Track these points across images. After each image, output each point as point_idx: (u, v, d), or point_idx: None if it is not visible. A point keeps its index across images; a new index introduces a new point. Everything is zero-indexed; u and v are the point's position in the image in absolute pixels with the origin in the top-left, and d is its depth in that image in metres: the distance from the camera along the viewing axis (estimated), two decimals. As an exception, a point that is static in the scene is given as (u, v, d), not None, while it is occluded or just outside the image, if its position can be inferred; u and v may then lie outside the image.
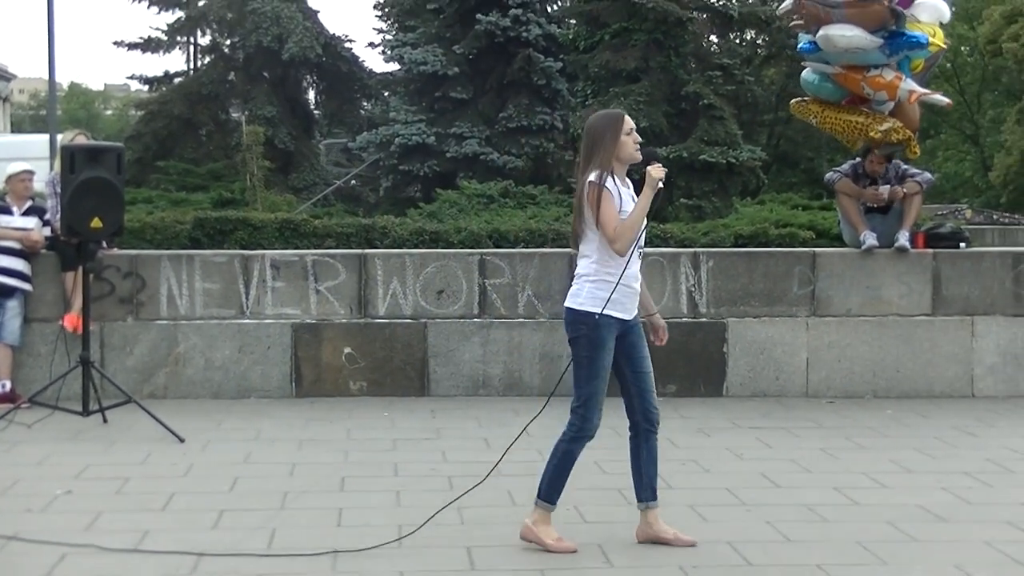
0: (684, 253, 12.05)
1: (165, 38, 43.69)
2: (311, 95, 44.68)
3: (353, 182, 38.95)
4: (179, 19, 43.57)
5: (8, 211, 11.21)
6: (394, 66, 37.81)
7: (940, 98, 12.39)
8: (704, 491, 8.10)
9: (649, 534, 6.87)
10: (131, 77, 49.79)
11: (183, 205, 26.84)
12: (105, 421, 10.08)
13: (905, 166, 12.33)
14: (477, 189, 25.64)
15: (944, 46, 12.07)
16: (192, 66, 45.52)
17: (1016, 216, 45.98)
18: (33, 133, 49.76)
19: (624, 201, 6.64)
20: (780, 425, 10.45)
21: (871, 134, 11.75)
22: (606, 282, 6.66)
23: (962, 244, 12.29)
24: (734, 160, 30.26)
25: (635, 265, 6.72)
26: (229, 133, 40.96)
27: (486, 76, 34.39)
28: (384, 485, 8.20)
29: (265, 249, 13.43)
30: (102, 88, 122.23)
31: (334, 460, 8.98)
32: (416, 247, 15.32)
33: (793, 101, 12.61)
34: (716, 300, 11.73)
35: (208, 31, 43.96)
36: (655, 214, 6.89)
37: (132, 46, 43.74)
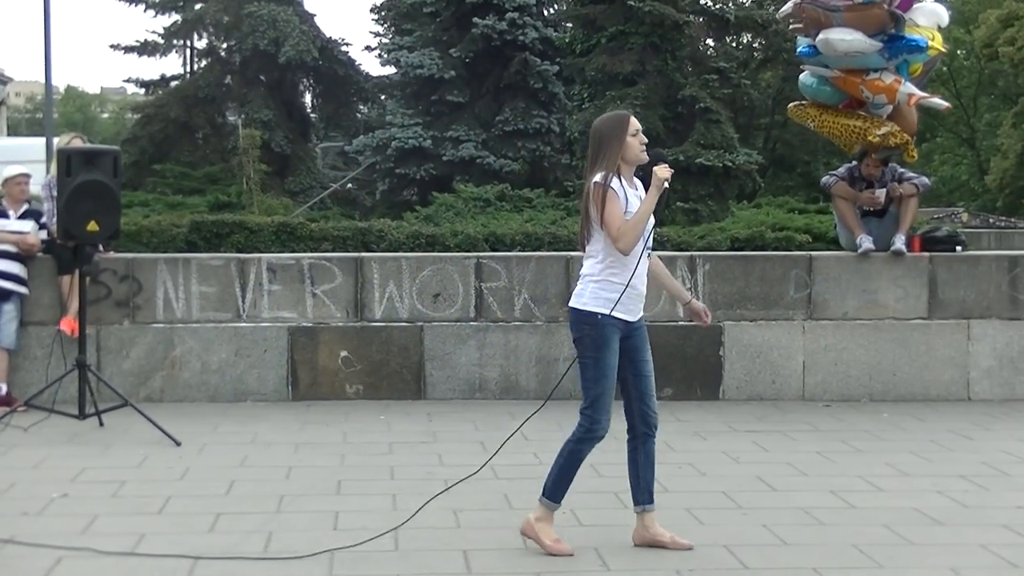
0: (680, 256, 12.05)
1: (161, 41, 43.65)
2: (307, 98, 44.67)
3: (349, 185, 38.95)
4: (175, 22, 43.54)
5: (4, 214, 11.21)
6: (390, 69, 37.79)
7: (939, 101, 12.40)
8: (700, 494, 8.10)
9: (646, 537, 6.87)
10: (127, 80, 49.78)
11: (179, 208, 26.83)
12: (101, 424, 10.08)
13: (902, 169, 12.34)
14: (473, 192, 25.62)
15: (943, 50, 12.08)
16: (188, 69, 45.49)
17: (1012, 219, 46.07)
18: (29, 136, 49.71)
19: (630, 202, 6.65)
20: (776, 428, 10.46)
21: (869, 138, 11.74)
22: (610, 283, 6.67)
23: (958, 247, 12.30)
24: (730, 163, 30.24)
25: (641, 265, 6.72)
26: (225, 136, 40.95)
27: (482, 79, 34.39)
28: (380, 488, 8.20)
29: (261, 252, 13.42)
30: (98, 91, 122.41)
31: (330, 463, 8.98)
32: (412, 250, 15.30)
33: (791, 105, 12.61)
34: (712, 303, 11.72)
35: (204, 34, 43.94)
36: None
37: (128, 49, 43.72)
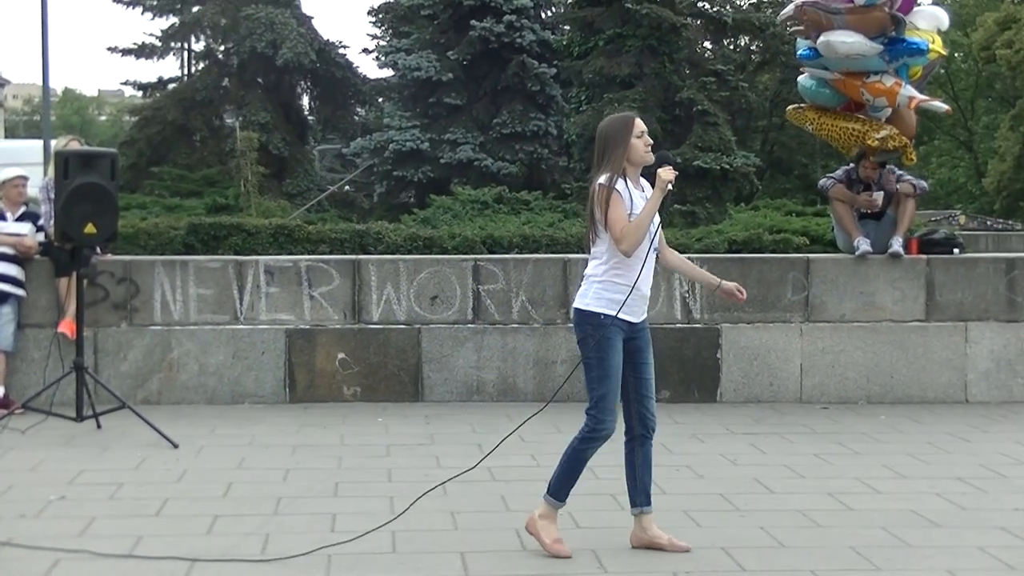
0: (678, 259, 12.04)
1: (159, 44, 43.69)
2: (305, 101, 44.72)
3: (347, 188, 38.97)
4: (173, 25, 43.58)
5: (2, 217, 11.20)
6: (388, 72, 37.85)
7: (939, 104, 12.41)
8: (698, 496, 8.10)
9: (643, 539, 6.87)
10: (125, 83, 49.94)
11: (177, 211, 26.90)
12: (99, 427, 10.08)
13: (900, 172, 12.35)
14: (471, 195, 25.66)
15: (943, 53, 12.10)
16: (186, 72, 45.54)
17: (1010, 222, 46.11)
18: (27, 139, 49.73)
19: (635, 203, 6.65)
20: (774, 431, 10.46)
21: (868, 141, 11.76)
22: (614, 284, 6.67)
23: (956, 250, 12.32)
24: (728, 166, 30.27)
25: (645, 267, 6.72)
26: (223, 139, 41.01)
27: (480, 82, 34.41)
28: (378, 490, 8.19)
29: (259, 255, 13.43)
30: (96, 94, 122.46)
31: (328, 466, 8.98)
32: (410, 253, 15.31)
33: (789, 108, 12.63)
34: (710, 306, 11.74)
35: (202, 37, 43.99)
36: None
37: (126, 52, 43.76)
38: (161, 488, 8.23)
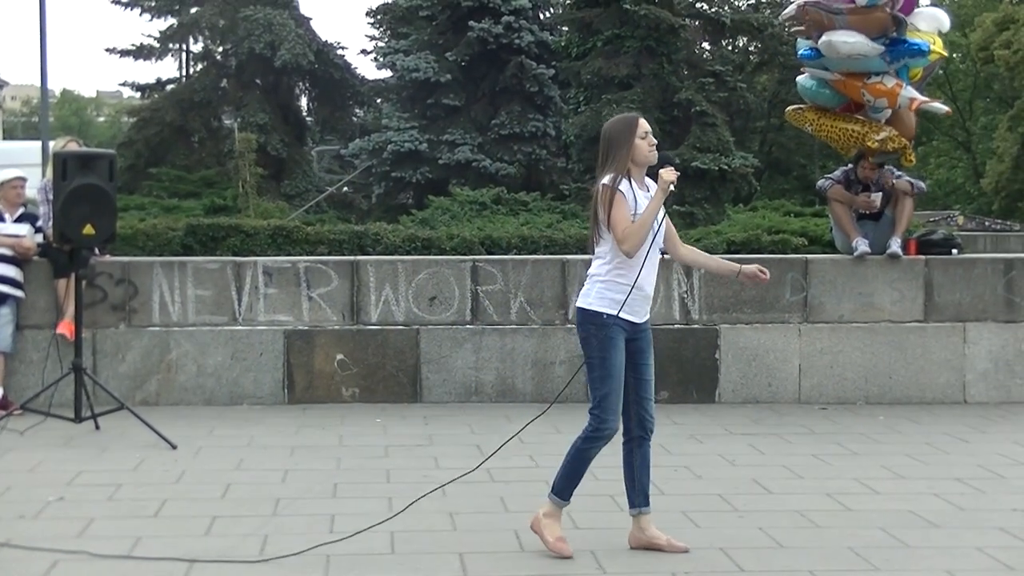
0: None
1: (157, 45, 43.67)
2: (303, 102, 44.72)
3: (345, 189, 38.97)
4: (171, 26, 43.55)
5: (0, 218, 11.20)
6: (386, 73, 37.85)
7: (939, 106, 12.40)
8: (696, 497, 8.10)
9: (642, 540, 6.88)
10: (123, 84, 49.88)
11: (175, 212, 26.91)
12: (97, 428, 10.08)
13: (898, 172, 12.35)
14: (469, 196, 25.67)
15: (944, 54, 12.11)
16: (184, 73, 45.56)
17: (1008, 223, 46.11)
18: (25, 140, 49.75)
19: (639, 204, 6.66)
20: (772, 431, 10.46)
21: (868, 143, 11.76)
22: (616, 283, 6.68)
23: (954, 250, 12.32)
24: (726, 167, 30.29)
25: (647, 267, 6.73)
26: (221, 140, 41.00)
27: (478, 83, 34.41)
28: (377, 492, 8.19)
29: (257, 256, 13.46)
30: (94, 95, 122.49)
31: (326, 467, 8.98)
32: (408, 254, 15.34)
33: (789, 108, 12.63)
34: (708, 307, 11.74)
35: (200, 38, 43.97)
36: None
37: (124, 53, 43.75)
38: (160, 489, 8.23)
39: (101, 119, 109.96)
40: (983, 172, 56.13)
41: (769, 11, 45.42)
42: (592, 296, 6.76)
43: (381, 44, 40.45)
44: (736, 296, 11.74)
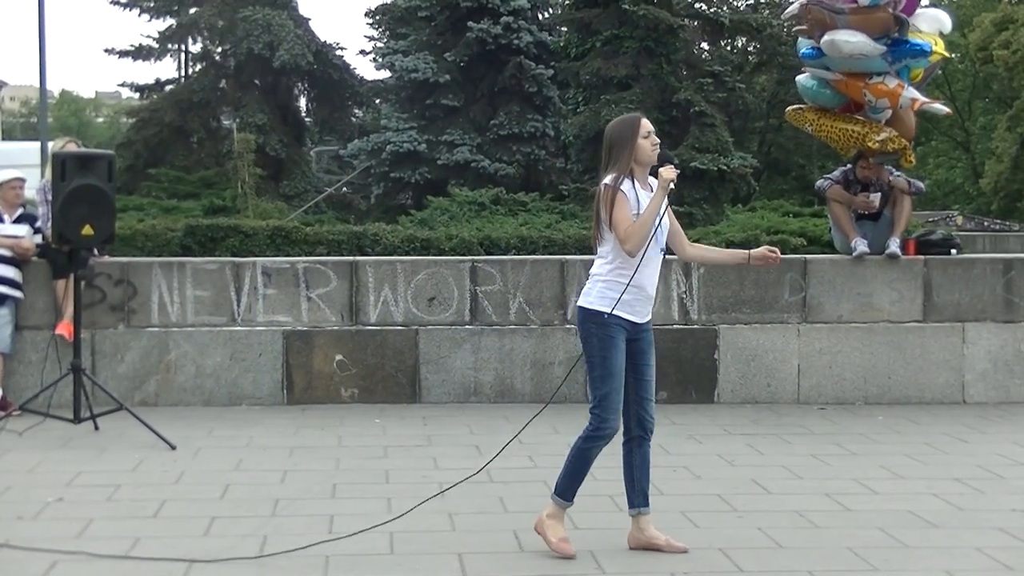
0: (675, 260, 11.97)
1: (156, 46, 43.66)
2: (302, 102, 44.69)
3: (344, 189, 38.96)
4: (170, 27, 43.54)
5: (-1, 218, 11.21)
6: (385, 73, 37.84)
7: (940, 107, 12.40)
8: (695, 497, 8.10)
9: (641, 540, 6.88)
10: (122, 84, 49.94)
11: (174, 212, 26.90)
12: (96, 428, 10.07)
13: (897, 173, 12.35)
14: (468, 196, 25.67)
15: (946, 55, 12.12)
16: (183, 74, 45.53)
17: (1007, 223, 46.11)
18: (24, 140, 49.75)
19: (642, 204, 6.67)
20: (771, 431, 10.46)
21: (868, 143, 11.77)
22: (618, 283, 6.68)
23: (953, 251, 12.31)
24: (725, 167, 30.29)
25: (649, 267, 6.74)
26: (220, 141, 41.00)
27: (477, 83, 34.41)
28: (376, 492, 8.19)
29: (256, 256, 13.44)
30: (93, 95, 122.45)
31: (325, 467, 8.98)
32: (407, 254, 15.33)
33: (789, 109, 12.63)
34: (707, 307, 11.74)
35: (199, 39, 43.96)
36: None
37: (123, 54, 43.75)
38: (159, 490, 8.23)
39: (100, 120, 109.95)
40: (982, 172, 56.14)
41: (768, 11, 45.46)
42: (593, 295, 6.76)
43: (380, 44, 40.46)
44: (735, 296, 11.74)
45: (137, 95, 46.25)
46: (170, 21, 43.79)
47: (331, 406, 11.43)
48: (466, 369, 11.66)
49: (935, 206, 54.95)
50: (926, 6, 11.92)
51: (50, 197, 10.42)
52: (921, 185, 12.51)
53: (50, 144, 14.92)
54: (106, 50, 44.37)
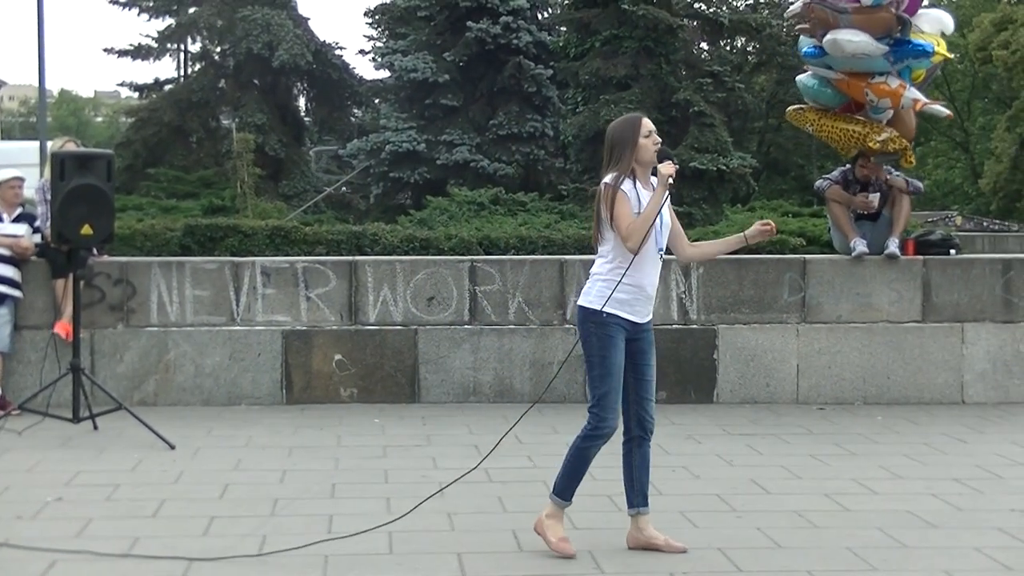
0: (674, 260, 12.02)
1: (155, 45, 43.71)
2: (301, 102, 44.74)
3: (343, 189, 38.98)
4: (169, 26, 43.59)
5: (-2, 218, 11.20)
6: (384, 73, 37.85)
7: (941, 109, 12.39)
8: (695, 497, 8.10)
9: (640, 540, 6.88)
10: (121, 84, 49.95)
11: (173, 212, 26.93)
12: (95, 428, 10.07)
13: (897, 173, 12.35)
14: (467, 196, 25.69)
15: (948, 56, 12.12)
16: (182, 73, 45.55)
17: (1006, 223, 46.14)
18: (23, 140, 49.74)
19: (643, 203, 6.67)
20: (770, 432, 10.46)
21: (869, 144, 11.77)
22: (617, 282, 6.68)
23: (952, 251, 12.31)
24: (724, 167, 30.31)
25: (648, 266, 6.74)
26: (219, 140, 41.04)
27: (476, 83, 34.43)
28: (375, 492, 8.19)
29: (255, 256, 13.45)
30: (92, 95, 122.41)
31: (324, 467, 8.97)
32: (406, 254, 15.34)
33: (790, 109, 12.63)
34: (706, 307, 11.74)
35: (198, 38, 44.02)
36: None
37: (122, 53, 43.79)
38: (158, 489, 8.23)
39: (99, 119, 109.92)
40: (981, 172, 56.16)
41: (767, 11, 45.48)
42: (593, 294, 6.77)
43: (379, 44, 40.47)
44: (734, 296, 11.74)
45: (136, 95, 46.29)
46: (169, 21, 43.85)
47: (330, 406, 11.43)
48: (465, 369, 11.66)
49: (934, 206, 55.00)
50: (928, 6, 11.91)
51: (49, 196, 10.42)
52: (919, 184, 12.50)
53: (49, 143, 14.92)
54: (105, 49, 44.48)
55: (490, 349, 11.65)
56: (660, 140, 6.85)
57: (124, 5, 43.91)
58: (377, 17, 43.28)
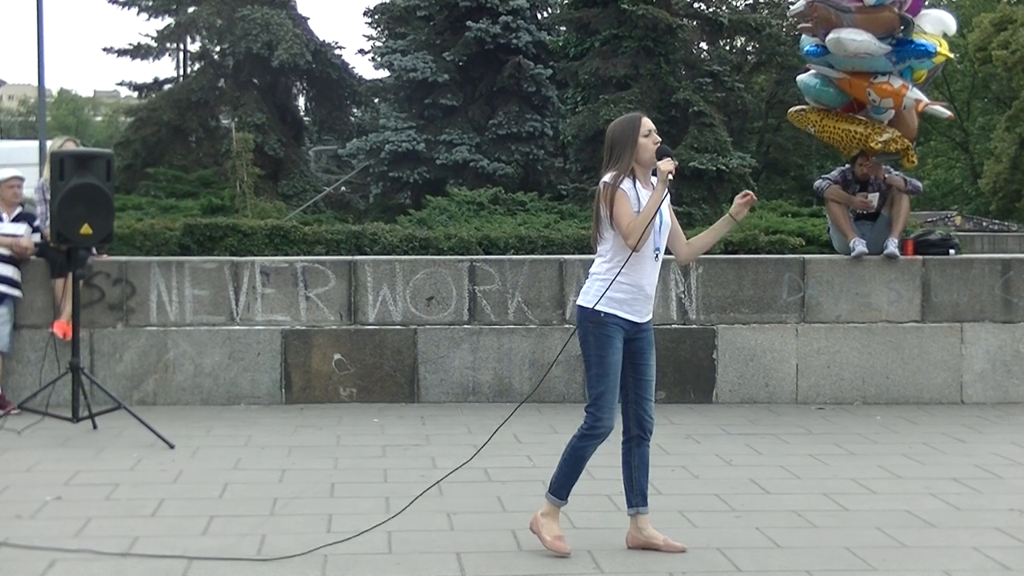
0: (673, 260, 12.04)
1: (155, 45, 43.70)
2: (301, 102, 44.72)
3: (343, 189, 38.97)
4: (169, 26, 43.58)
5: (-3, 217, 11.20)
6: (384, 73, 37.87)
7: (943, 109, 12.40)
8: (694, 497, 8.11)
9: (639, 540, 6.88)
10: (120, 83, 49.89)
11: (172, 212, 26.89)
12: (95, 427, 10.07)
13: (897, 172, 12.35)
14: (467, 196, 25.68)
15: (950, 57, 12.12)
16: (181, 73, 45.53)
17: (1006, 223, 46.15)
18: (22, 139, 49.71)
19: (642, 202, 6.67)
20: (769, 431, 10.46)
21: (871, 144, 11.78)
22: (616, 282, 6.68)
23: (951, 251, 12.31)
24: (724, 167, 30.32)
25: (646, 266, 6.74)
26: (218, 140, 40.99)
27: (476, 83, 34.43)
28: (374, 491, 8.19)
29: (255, 256, 13.44)
30: (91, 94, 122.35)
31: (324, 466, 8.98)
32: (406, 254, 15.33)
33: (791, 110, 12.63)
34: (706, 307, 11.74)
35: (198, 38, 44.01)
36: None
37: (122, 52, 43.77)
38: (157, 489, 8.23)
39: (98, 119, 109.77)
40: (981, 172, 56.16)
41: (767, 11, 45.46)
42: (591, 294, 6.77)
43: (379, 44, 40.51)
44: (733, 296, 11.75)
45: (135, 94, 46.27)
46: (168, 20, 43.84)
47: (329, 405, 11.43)
48: (464, 369, 11.66)
49: (934, 206, 55.01)
50: (929, 6, 11.91)
51: (48, 196, 10.42)
52: (918, 184, 12.50)
53: (48, 143, 14.90)
54: (104, 49, 44.54)
55: (489, 349, 11.65)
56: (660, 139, 6.85)
57: (123, 4, 43.90)
58: (376, 17, 43.30)
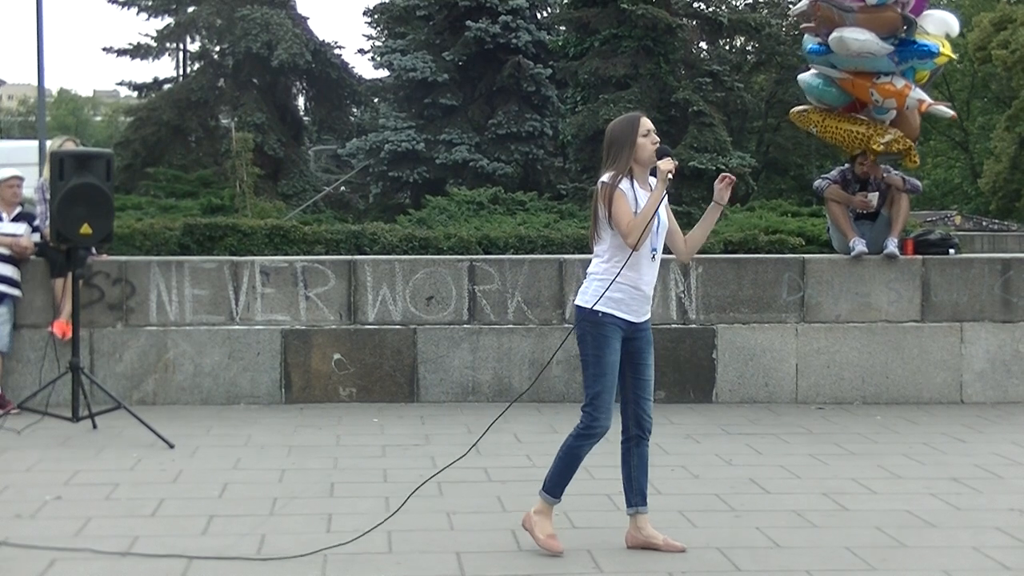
0: (673, 259, 12.03)
1: (154, 44, 43.69)
2: (300, 101, 44.70)
3: (342, 188, 38.96)
4: (168, 25, 43.56)
5: (-3, 217, 11.20)
6: (383, 72, 37.86)
7: (945, 110, 12.40)
8: (693, 497, 8.10)
9: (639, 540, 6.88)
10: (120, 83, 49.88)
11: (172, 212, 26.87)
12: (95, 427, 10.07)
13: (896, 172, 12.35)
14: (467, 195, 25.66)
15: (953, 57, 12.12)
16: (181, 72, 45.53)
17: (1005, 223, 46.16)
18: (22, 139, 49.71)
19: (640, 202, 6.67)
20: (769, 431, 10.46)
21: (873, 145, 11.78)
22: (615, 281, 6.68)
23: (951, 250, 12.31)
24: (724, 167, 30.26)
25: (644, 266, 6.74)
26: (218, 140, 40.97)
27: (476, 83, 34.42)
28: (373, 491, 8.19)
29: (254, 255, 13.44)
30: (91, 94, 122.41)
31: (323, 466, 8.98)
32: (405, 253, 15.33)
33: (794, 110, 12.63)
34: (705, 307, 11.74)
35: (197, 38, 43.99)
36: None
37: (121, 52, 43.77)
38: (157, 488, 8.23)
39: (98, 118, 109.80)
40: (980, 172, 56.18)
41: (767, 11, 45.47)
42: (589, 294, 6.77)
43: (378, 44, 40.50)
44: (733, 296, 11.75)
45: (135, 94, 46.27)
46: (168, 20, 43.83)
47: (329, 405, 11.43)
48: (464, 368, 11.66)
49: (933, 206, 55.00)
50: (932, 6, 11.91)
51: (48, 196, 10.41)
52: (917, 183, 12.50)
53: (48, 143, 14.90)
54: (104, 49, 44.56)
55: (489, 348, 11.65)
56: (659, 139, 6.85)
57: (123, 4, 43.91)
58: (376, 16, 43.28)
